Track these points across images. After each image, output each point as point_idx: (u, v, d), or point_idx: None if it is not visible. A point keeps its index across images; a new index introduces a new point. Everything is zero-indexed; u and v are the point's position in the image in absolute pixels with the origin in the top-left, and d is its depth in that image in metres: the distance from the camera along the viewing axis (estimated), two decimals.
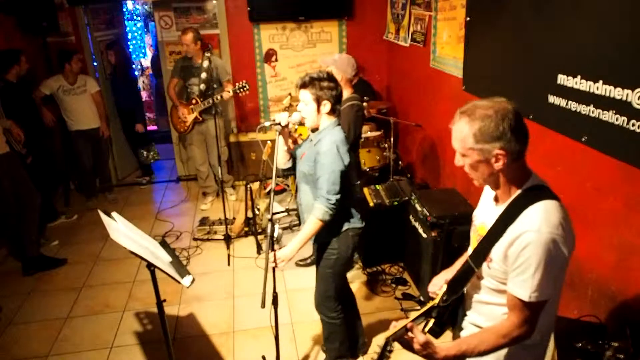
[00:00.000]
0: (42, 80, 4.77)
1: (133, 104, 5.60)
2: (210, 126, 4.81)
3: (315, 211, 2.33)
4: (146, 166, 5.93)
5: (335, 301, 2.62)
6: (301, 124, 2.47)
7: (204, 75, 4.04)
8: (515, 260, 1.41)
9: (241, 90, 4.41)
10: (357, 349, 2.93)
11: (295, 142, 2.71)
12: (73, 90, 4.83)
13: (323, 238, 2.49)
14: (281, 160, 2.58)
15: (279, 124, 2.40)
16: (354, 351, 2.91)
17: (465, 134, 1.43)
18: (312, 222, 2.35)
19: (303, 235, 2.37)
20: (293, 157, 2.61)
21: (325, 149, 2.32)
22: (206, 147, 5.06)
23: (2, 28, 4.51)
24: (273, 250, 2.29)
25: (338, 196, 2.32)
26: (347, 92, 3.20)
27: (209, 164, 5.11)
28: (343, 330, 2.71)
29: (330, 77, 2.35)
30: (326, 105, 2.34)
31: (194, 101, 4.73)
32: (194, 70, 4.66)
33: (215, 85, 4.63)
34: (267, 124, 2.45)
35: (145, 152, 5.71)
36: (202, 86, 4.11)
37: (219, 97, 4.52)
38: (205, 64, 4.07)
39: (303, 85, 2.34)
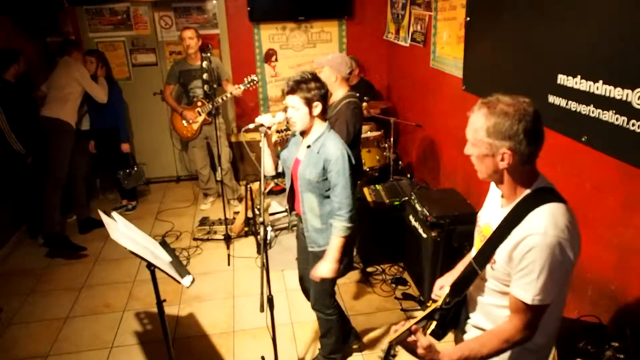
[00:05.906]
0: (44, 80, 4.76)
1: (115, 120, 4.79)
2: (213, 128, 4.71)
3: (337, 231, 2.33)
4: (129, 190, 5.12)
5: (331, 298, 2.66)
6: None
7: (205, 76, 4.04)
8: (520, 263, 1.40)
9: (251, 84, 4.40)
10: (347, 341, 2.96)
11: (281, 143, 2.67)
12: None
13: (320, 247, 2.49)
14: (268, 167, 2.53)
15: (263, 125, 2.35)
16: (346, 344, 2.94)
17: (479, 125, 1.41)
18: (337, 242, 2.34)
19: (333, 254, 2.36)
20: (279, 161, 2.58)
21: (337, 154, 2.28)
22: (208, 150, 5.04)
23: (1, 28, 4.50)
24: (266, 253, 2.26)
25: (354, 201, 2.34)
26: (343, 91, 3.17)
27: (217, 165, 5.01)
28: (339, 327, 2.75)
29: (315, 77, 2.29)
30: (318, 107, 2.29)
31: (199, 104, 4.70)
32: (194, 73, 4.60)
33: (215, 86, 4.62)
34: (251, 125, 2.38)
35: (128, 176, 4.91)
36: (206, 87, 4.10)
37: (228, 95, 4.52)
38: (205, 64, 4.08)
39: (291, 91, 2.26)
